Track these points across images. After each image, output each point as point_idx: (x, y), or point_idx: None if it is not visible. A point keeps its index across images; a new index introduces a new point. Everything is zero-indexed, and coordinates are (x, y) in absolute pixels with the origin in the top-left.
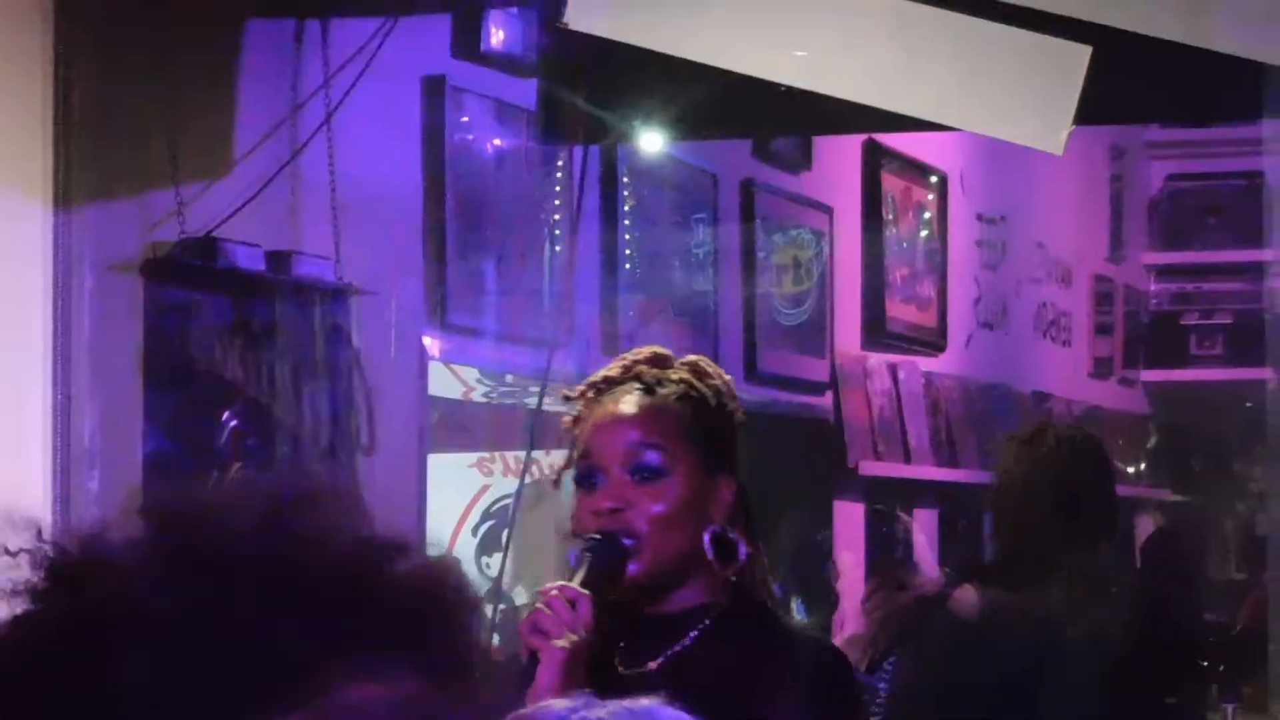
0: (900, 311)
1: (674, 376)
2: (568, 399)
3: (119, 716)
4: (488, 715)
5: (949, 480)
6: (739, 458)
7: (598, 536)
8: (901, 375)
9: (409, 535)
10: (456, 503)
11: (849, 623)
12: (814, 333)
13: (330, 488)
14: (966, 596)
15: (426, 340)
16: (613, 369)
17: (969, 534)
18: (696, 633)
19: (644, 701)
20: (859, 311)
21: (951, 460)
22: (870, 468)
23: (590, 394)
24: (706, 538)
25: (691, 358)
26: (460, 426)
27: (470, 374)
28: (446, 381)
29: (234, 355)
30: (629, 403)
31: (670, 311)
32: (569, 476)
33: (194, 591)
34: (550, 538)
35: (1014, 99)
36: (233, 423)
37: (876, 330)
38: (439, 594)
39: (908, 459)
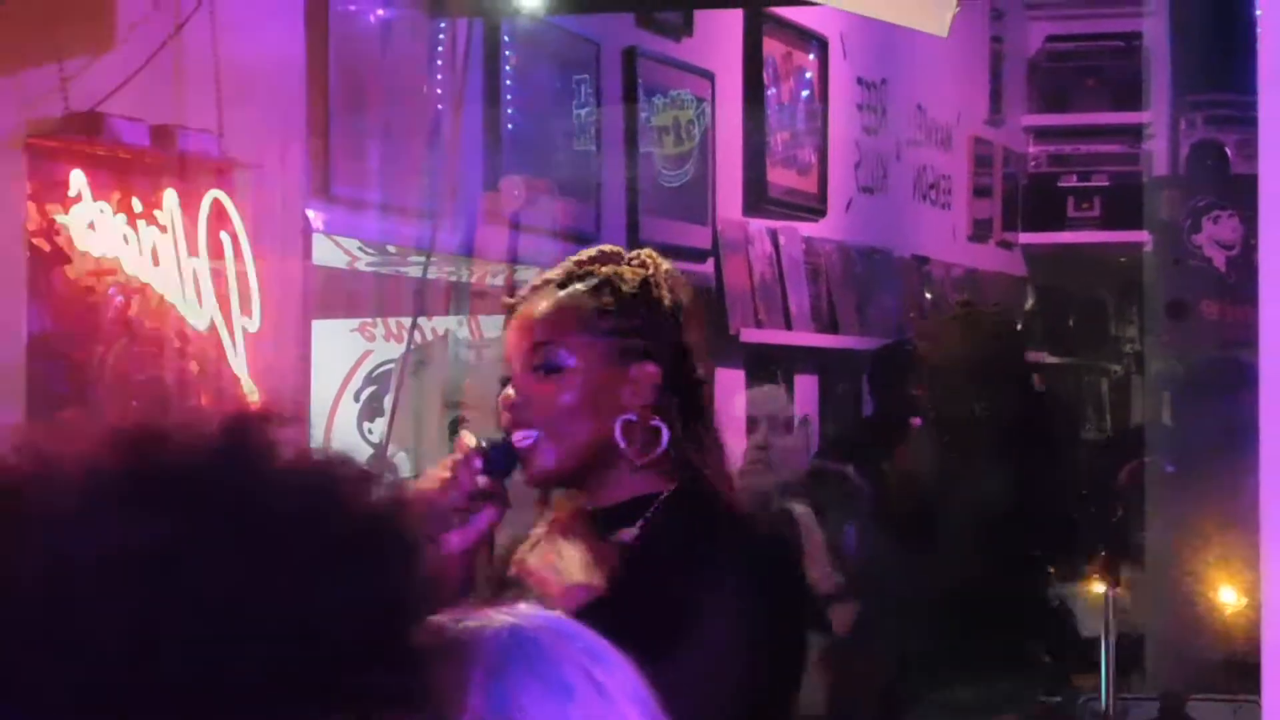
0: (781, 177)
1: (602, 270)
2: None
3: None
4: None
5: (829, 346)
6: (671, 341)
7: (486, 445)
8: (782, 241)
9: (366, 462)
10: (339, 368)
11: None
12: (696, 199)
13: (283, 412)
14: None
15: (310, 213)
16: (555, 270)
17: (847, 399)
18: (638, 526)
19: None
20: (740, 177)
21: (831, 326)
22: (752, 335)
23: (529, 295)
24: (617, 426)
25: (643, 251)
26: (343, 294)
27: (353, 244)
28: (331, 252)
29: (118, 231)
30: (534, 303)
31: (554, 183)
32: None
33: (157, 526)
34: (435, 403)
35: None
36: (118, 299)
37: (757, 196)
38: (400, 523)
39: (789, 325)
